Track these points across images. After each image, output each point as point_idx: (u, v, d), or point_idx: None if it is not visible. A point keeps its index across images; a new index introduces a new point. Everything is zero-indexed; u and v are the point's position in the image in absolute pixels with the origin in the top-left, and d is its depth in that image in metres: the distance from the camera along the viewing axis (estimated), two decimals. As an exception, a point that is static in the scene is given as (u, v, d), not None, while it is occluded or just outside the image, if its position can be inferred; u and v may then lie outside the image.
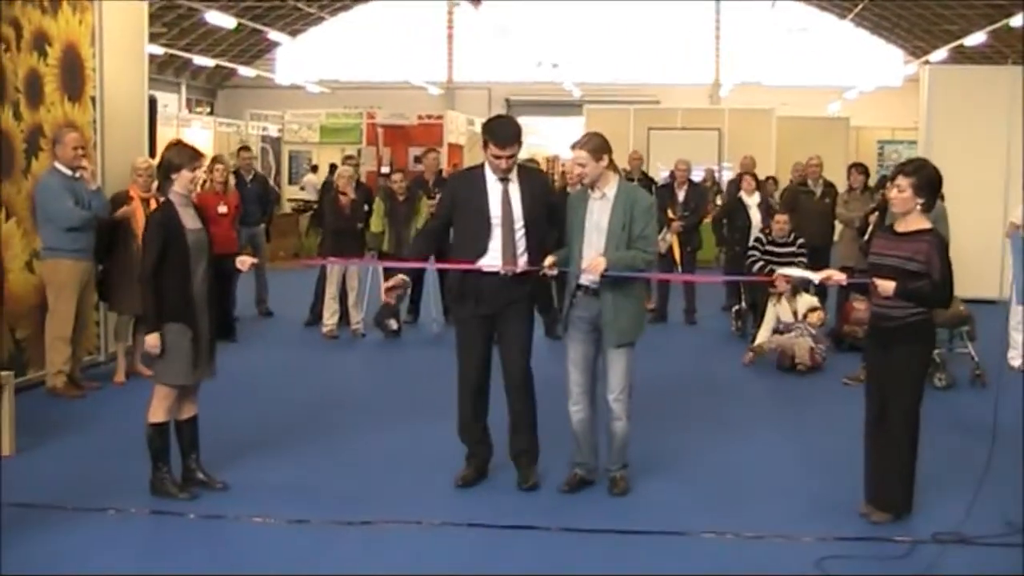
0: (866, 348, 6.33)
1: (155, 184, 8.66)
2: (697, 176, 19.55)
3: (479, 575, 5.38)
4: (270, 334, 12.37)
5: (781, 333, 10.70)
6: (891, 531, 5.92)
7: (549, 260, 6.32)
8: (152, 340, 6.22)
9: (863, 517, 6.11)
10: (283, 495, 6.45)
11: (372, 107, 28.44)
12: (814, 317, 10.59)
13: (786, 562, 5.55)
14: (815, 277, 6.51)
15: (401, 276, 6.67)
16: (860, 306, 10.21)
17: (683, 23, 42.18)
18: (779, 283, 9.73)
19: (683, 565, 5.51)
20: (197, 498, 6.31)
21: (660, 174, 19.50)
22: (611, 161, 6.44)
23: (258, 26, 35.81)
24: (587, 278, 6.30)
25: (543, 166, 22.31)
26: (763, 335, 10.85)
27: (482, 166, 6.60)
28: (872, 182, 13.69)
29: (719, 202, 18.26)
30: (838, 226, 12.77)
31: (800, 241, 11.58)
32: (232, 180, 12.63)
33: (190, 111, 38.90)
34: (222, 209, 11.86)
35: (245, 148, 14.89)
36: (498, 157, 6.38)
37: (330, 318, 12.02)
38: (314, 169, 26.48)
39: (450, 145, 25.35)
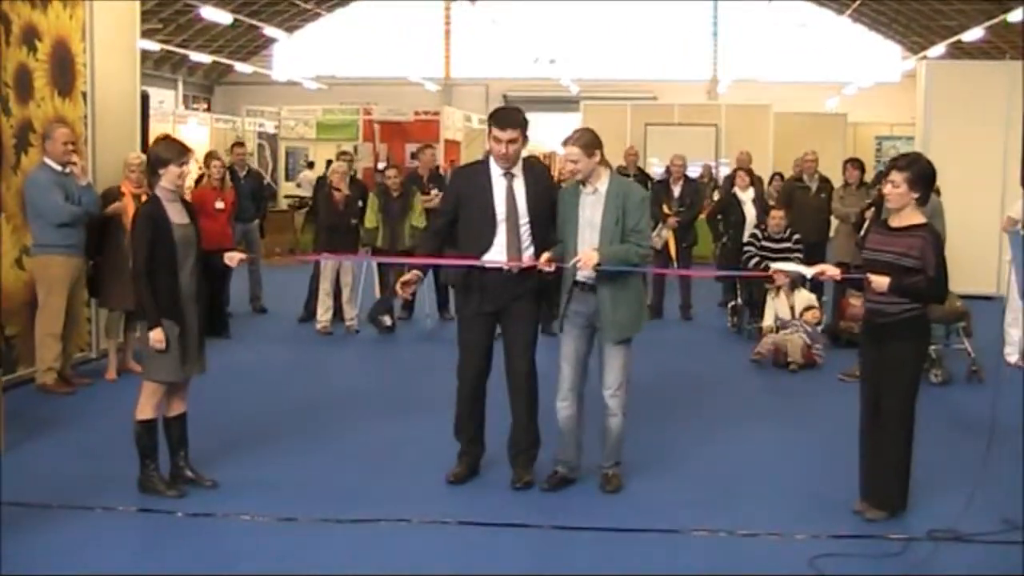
0: (860, 344, 6.26)
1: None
2: (694, 172, 19.56)
3: (468, 575, 5.32)
4: (264, 330, 12.31)
5: (777, 330, 10.65)
6: (886, 528, 5.87)
7: (545, 257, 6.26)
8: (157, 335, 6.14)
9: (858, 514, 6.05)
10: (273, 492, 6.40)
11: (369, 103, 28.35)
12: (809, 315, 10.54)
13: (779, 560, 5.49)
14: (808, 272, 6.45)
15: (416, 272, 6.60)
16: (856, 302, 10.13)
17: (680, 19, 42.11)
18: (778, 277, 9.69)
19: (675, 563, 5.46)
20: (185, 496, 6.26)
21: (654, 170, 19.42)
22: (602, 156, 6.38)
23: (255, 22, 35.75)
24: (582, 274, 6.24)
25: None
26: (767, 324, 10.80)
27: (487, 160, 6.56)
28: (870, 178, 13.64)
29: (716, 198, 18.18)
30: (834, 222, 12.71)
31: (796, 237, 11.54)
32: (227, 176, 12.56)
33: (187, 107, 38.81)
34: (219, 205, 11.85)
35: (239, 144, 14.83)
36: (498, 140, 6.32)
37: (324, 314, 11.97)
38: (310, 165, 26.42)
39: (447, 141, 25.27)
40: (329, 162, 21.88)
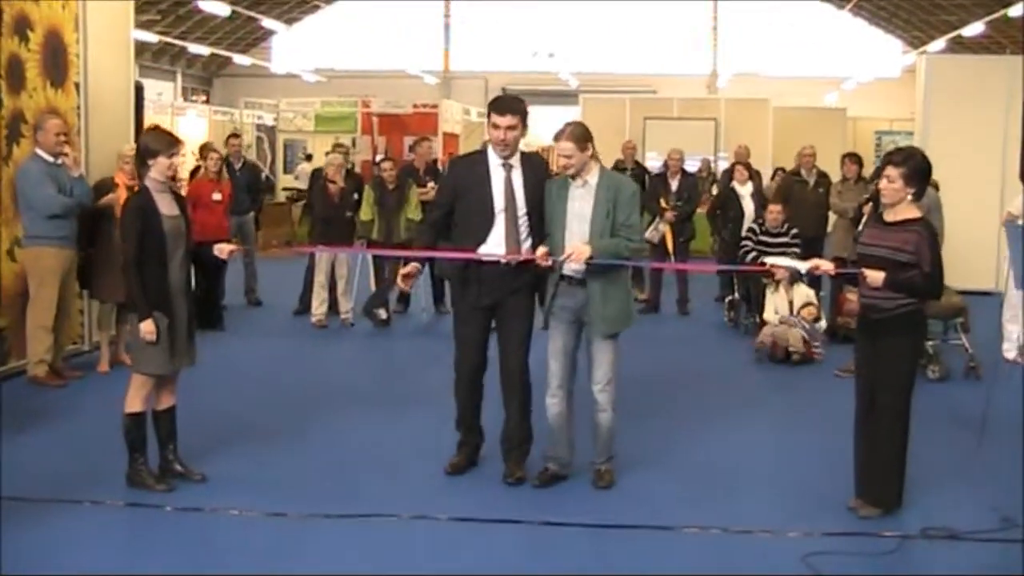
0: (856, 340, 6.20)
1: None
2: (693, 166, 19.50)
3: (456, 573, 5.27)
4: (258, 323, 12.26)
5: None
6: (880, 526, 5.81)
7: (541, 251, 6.20)
8: (147, 327, 6.10)
9: (852, 511, 6.00)
10: (263, 487, 6.35)
11: (367, 96, 28.28)
12: (806, 312, 10.46)
13: (772, 558, 5.44)
14: (803, 267, 6.40)
15: (415, 264, 6.55)
16: (853, 297, 10.07)
17: (681, 13, 41.98)
18: (778, 272, 9.66)
19: (667, 560, 5.40)
20: (174, 490, 6.20)
21: (652, 164, 19.35)
22: (593, 149, 6.32)
23: (253, 14, 35.65)
24: (571, 267, 6.18)
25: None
26: (769, 317, 10.74)
27: (485, 151, 6.50)
28: (868, 172, 13.56)
29: (715, 192, 18.12)
30: (832, 216, 12.65)
31: (794, 231, 11.48)
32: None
33: (185, 100, 38.72)
34: (216, 196, 11.81)
35: (234, 135, 14.76)
36: (497, 127, 6.27)
37: (319, 307, 11.91)
38: (308, 158, 26.34)
39: (445, 134, 25.22)
40: (327, 155, 21.87)
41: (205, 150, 12.91)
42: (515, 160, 6.37)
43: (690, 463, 7.06)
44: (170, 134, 6.57)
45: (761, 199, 13.09)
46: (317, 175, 13.32)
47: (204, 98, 42.84)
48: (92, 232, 8.97)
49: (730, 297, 12.51)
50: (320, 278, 11.91)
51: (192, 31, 39.17)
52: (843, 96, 37.00)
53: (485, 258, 6.30)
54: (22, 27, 8.99)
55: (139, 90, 11.07)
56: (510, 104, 6.38)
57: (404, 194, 11.81)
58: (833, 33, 41.97)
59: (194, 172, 13.42)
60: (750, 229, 11.85)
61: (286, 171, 27.54)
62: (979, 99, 14.78)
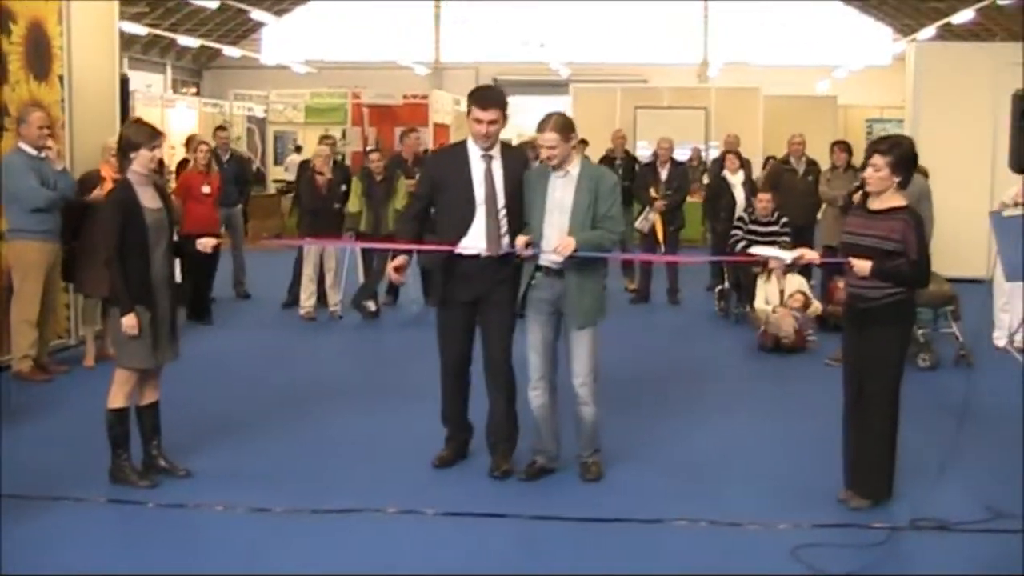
0: (843, 330, 6.15)
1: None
2: (683, 155, 19.44)
3: (443, 569, 5.22)
4: (247, 316, 12.20)
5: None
6: (870, 517, 5.77)
7: (522, 240, 6.14)
8: (129, 321, 6.04)
9: (842, 503, 5.96)
10: (249, 482, 6.30)
11: (358, 87, 28.20)
12: (792, 301, 10.38)
13: (761, 550, 5.40)
14: (788, 257, 6.35)
15: (403, 256, 6.51)
16: (844, 286, 10.06)
17: (671, 2, 41.85)
18: (772, 261, 9.60)
19: (655, 553, 5.36)
20: (158, 486, 6.15)
21: (641, 153, 19.28)
22: (576, 139, 6.26)
23: (242, 6, 35.47)
24: (551, 258, 6.12)
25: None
26: (759, 306, 10.68)
27: (464, 143, 6.43)
28: (858, 161, 13.51)
29: (705, 181, 18.08)
30: (822, 205, 12.60)
31: (783, 220, 11.44)
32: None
33: (175, 92, 38.55)
34: (206, 189, 11.77)
35: (221, 128, 14.67)
36: (479, 121, 6.21)
37: (307, 300, 11.84)
38: (298, 150, 26.28)
39: (436, 125, 25.17)
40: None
41: (192, 142, 12.82)
42: (495, 151, 6.31)
43: (679, 455, 7.01)
44: (151, 126, 6.50)
45: (752, 188, 13.06)
46: (305, 167, 13.26)
47: (194, 90, 42.65)
48: (77, 226, 8.88)
49: (720, 287, 12.47)
50: (308, 270, 11.85)
51: (181, 23, 38.95)
52: (834, 84, 36.91)
53: (466, 252, 6.24)
54: (4, 20, 8.91)
55: (124, 82, 10.97)
56: (492, 97, 6.31)
57: (392, 185, 11.75)
58: (824, 21, 41.87)
59: (181, 165, 13.33)
60: (739, 218, 11.82)
61: (276, 163, 27.47)
62: (969, 86, 14.73)
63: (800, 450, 7.08)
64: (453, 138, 24.51)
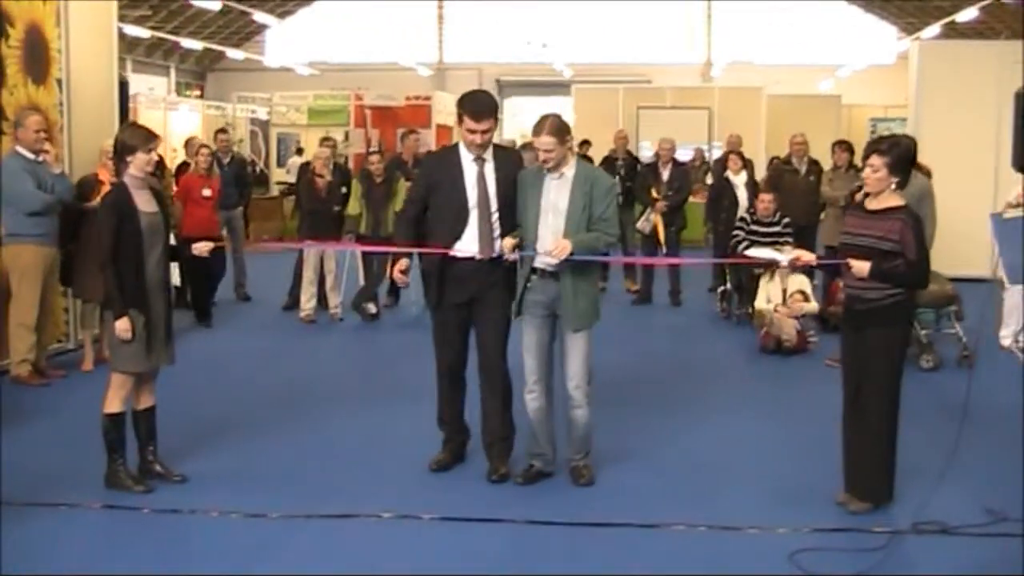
0: (841, 331, 6.10)
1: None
2: (687, 155, 19.39)
3: (440, 572, 5.18)
4: (247, 318, 12.16)
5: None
6: (870, 521, 5.72)
7: (508, 242, 6.11)
8: (122, 324, 6.03)
9: (841, 506, 5.90)
10: (244, 487, 6.27)
11: (360, 89, 28.19)
12: (793, 300, 10.31)
13: (759, 556, 5.34)
14: (783, 258, 6.31)
15: (404, 260, 6.48)
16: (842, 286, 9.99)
17: (674, 2, 41.79)
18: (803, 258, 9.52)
19: (651, 559, 5.31)
20: (152, 491, 6.11)
21: (644, 154, 19.25)
22: (570, 141, 6.23)
23: (245, 8, 35.47)
24: (546, 261, 6.08)
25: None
26: (760, 305, 10.60)
27: (457, 146, 6.39)
28: (860, 160, 13.45)
29: (709, 181, 18.00)
30: (824, 205, 12.53)
31: (785, 221, 11.37)
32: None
33: (179, 94, 38.55)
34: (206, 192, 11.75)
35: (222, 131, 14.63)
36: (472, 132, 6.17)
37: (307, 302, 11.80)
38: (299, 151, 26.28)
39: (439, 126, 25.14)
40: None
41: (191, 145, 12.79)
42: (488, 154, 6.28)
43: (678, 457, 6.96)
44: (147, 129, 6.49)
45: (755, 188, 13.00)
46: (305, 169, 13.22)
47: (198, 93, 42.66)
48: (75, 230, 8.86)
49: (722, 288, 12.41)
50: (308, 273, 11.81)
51: (184, 26, 38.97)
52: (838, 84, 36.85)
53: (460, 255, 6.21)
54: (1, 24, 8.88)
55: (123, 85, 10.94)
56: (485, 107, 6.24)
57: (392, 187, 11.70)
58: (827, 21, 41.79)
59: (180, 168, 13.28)
60: (741, 219, 11.76)
61: (280, 165, 27.47)
62: (972, 85, 14.68)
63: (800, 452, 7.03)
64: (455, 139, 24.49)
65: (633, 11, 41.59)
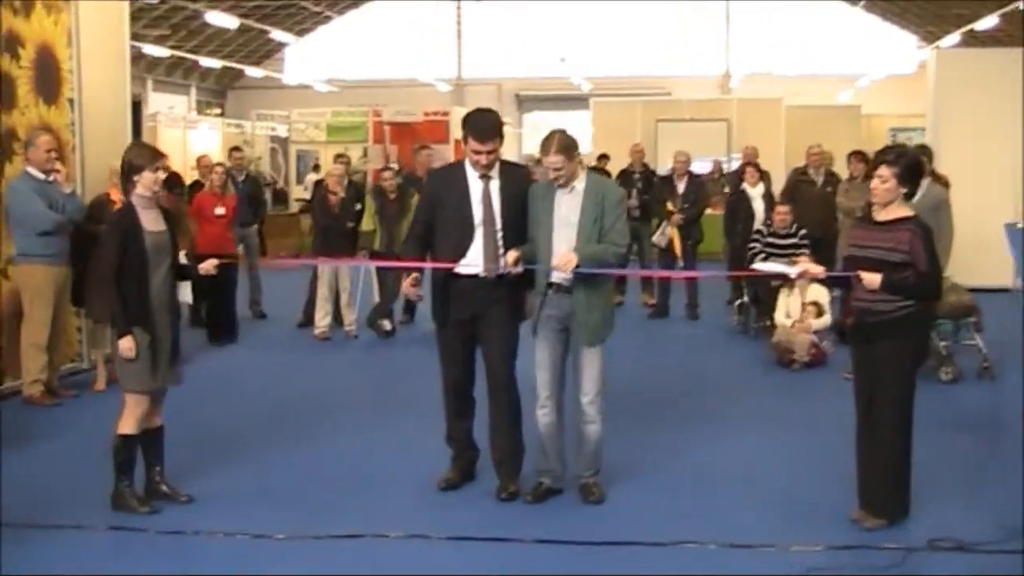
0: (851, 345, 6.01)
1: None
2: (704, 168, 19.29)
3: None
4: (262, 336, 12.13)
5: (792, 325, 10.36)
6: (885, 538, 5.61)
7: (512, 256, 6.05)
8: (125, 343, 6.01)
9: (855, 523, 5.80)
10: (251, 507, 6.21)
11: (378, 105, 28.24)
12: (807, 312, 10.20)
13: (772, 574, 5.24)
14: (792, 271, 6.22)
15: (415, 274, 6.42)
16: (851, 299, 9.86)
17: (693, 14, 41.73)
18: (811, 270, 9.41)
19: (663, 578, 5.23)
20: (158, 512, 6.06)
21: (663, 167, 19.14)
22: (579, 155, 6.16)
23: (263, 26, 35.62)
24: (558, 275, 6.02)
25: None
26: (778, 319, 10.49)
27: (463, 162, 6.34)
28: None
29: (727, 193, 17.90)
30: (841, 216, 12.42)
31: (802, 232, 11.27)
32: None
33: (199, 113, 38.73)
34: (219, 211, 11.73)
35: (236, 148, 14.65)
36: (478, 152, 6.13)
37: (322, 319, 11.76)
38: (316, 168, 26.34)
39: (457, 141, 25.08)
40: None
41: (202, 163, 12.79)
42: (494, 171, 6.22)
43: (689, 473, 6.87)
44: (153, 148, 6.50)
45: (771, 200, 12.90)
46: (319, 186, 13.21)
47: (219, 111, 42.85)
48: (86, 250, 8.84)
49: (739, 301, 12.31)
50: (323, 290, 11.77)
51: (204, 45, 39.13)
52: (858, 93, 36.66)
53: (464, 272, 6.15)
54: (12, 44, 8.91)
55: (136, 105, 10.95)
56: (490, 127, 6.17)
57: (405, 203, 11.64)
58: (847, 31, 41.65)
59: (193, 186, 13.28)
60: (757, 231, 11.67)
61: (299, 182, 27.55)
62: (991, 92, 14.54)
63: (814, 467, 6.91)
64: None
65: (652, 24, 41.57)
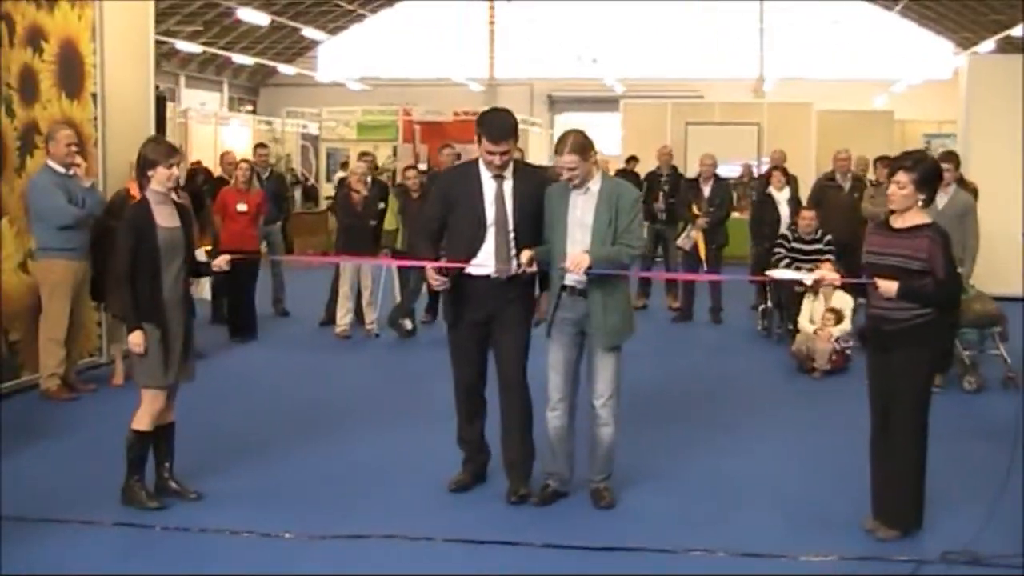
0: (867, 354, 5.91)
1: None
2: (734, 171, 19.17)
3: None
4: (283, 334, 12.11)
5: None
6: (897, 549, 5.52)
7: (526, 255, 5.99)
8: (135, 338, 6.01)
9: (869, 533, 5.71)
10: (260, 505, 6.17)
11: (410, 104, 28.26)
12: (826, 319, 10.07)
13: (780, 584, 5.18)
14: (807, 279, 6.13)
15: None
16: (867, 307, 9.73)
17: (727, 17, 41.55)
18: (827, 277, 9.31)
19: (669, 585, 5.16)
20: (166, 508, 6.04)
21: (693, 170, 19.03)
22: (594, 155, 6.10)
23: (295, 24, 35.75)
24: (572, 277, 5.96)
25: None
26: (802, 324, 10.38)
27: (476, 162, 6.28)
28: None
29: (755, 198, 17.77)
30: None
31: (828, 238, 11.15)
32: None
33: (231, 109, 38.90)
34: (241, 207, 11.72)
35: (261, 145, 14.65)
36: (491, 153, 6.07)
37: (343, 317, 11.73)
38: (343, 166, 26.38)
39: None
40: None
41: (225, 160, 12.79)
42: (507, 172, 6.16)
43: (702, 478, 6.79)
44: (169, 144, 6.50)
45: (797, 205, 12.79)
46: (342, 184, 13.19)
47: (251, 108, 43.04)
48: (106, 244, 8.84)
49: (763, 305, 12.20)
50: (345, 288, 11.74)
51: (237, 41, 39.35)
52: (892, 99, 36.38)
53: (475, 272, 6.10)
54: (35, 38, 8.92)
55: (160, 100, 10.96)
56: (504, 128, 6.10)
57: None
58: (883, 36, 41.37)
59: (218, 182, 13.28)
60: (782, 236, 11.56)
61: (328, 180, 27.60)
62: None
63: (829, 475, 6.82)
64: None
65: (686, 26, 41.44)
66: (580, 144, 5.96)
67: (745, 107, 26.75)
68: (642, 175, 15.94)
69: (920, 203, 5.51)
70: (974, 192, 10.44)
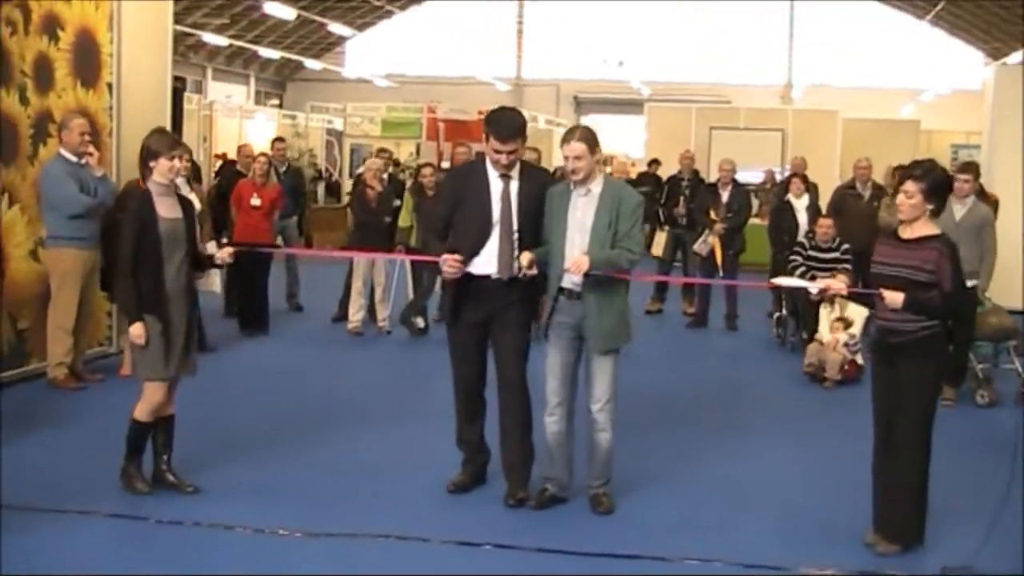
0: (872, 365, 5.82)
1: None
2: (757, 177, 19.05)
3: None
4: (295, 329, 12.09)
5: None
6: (896, 564, 5.44)
7: (526, 257, 5.93)
8: (135, 330, 6.00)
9: (869, 547, 5.62)
10: (255, 500, 6.15)
11: (435, 102, 28.23)
12: (836, 328, 9.97)
13: (775, 597, 5.10)
14: (813, 287, 6.05)
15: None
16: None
17: (756, 22, 41.38)
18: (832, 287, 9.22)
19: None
20: (153, 493, 6.08)
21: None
22: (599, 155, 6.04)
23: (323, 19, 35.78)
24: (570, 279, 5.89)
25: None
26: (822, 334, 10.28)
27: (483, 162, 6.23)
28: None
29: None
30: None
31: (845, 247, 11.04)
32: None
33: (257, 103, 38.99)
34: (255, 201, 11.70)
35: (279, 139, 14.68)
36: (498, 152, 6.01)
37: (355, 314, 11.69)
38: (364, 163, 26.37)
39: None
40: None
41: (243, 153, 12.78)
42: (514, 172, 6.11)
43: (703, 486, 6.72)
44: (172, 136, 6.49)
45: (816, 213, 12.67)
46: (358, 180, 13.16)
47: (277, 102, 43.11)
48: (115, 234, 8.82)
49: (778, 313, 12.09)
50: (358, 284, 11.70)
51: (264, 36, 39.42)
52: (920, 108, 36.15)
53: (478, 272, 6.05)
54: (51, 27, 8.92)
55: (176, 91, 10.94)
56: (511, 127, 6.05)
57: (443, 201, 11.55)
58: (912, 45, 41.09)
59: (237, 174, 13.26)
60: (799, 243, 11.46)
61: (351, 175, 27.58)
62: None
63: (832, 486, 6.73)
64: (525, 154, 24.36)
65: (714, 31, 41.28)
66: (588, 136, 5.92)
67: (770, 113, 26.59)
68: (664, 178, 15.86)
69: (928, 213, 5.42)
70: (995, 205, 10.31)
